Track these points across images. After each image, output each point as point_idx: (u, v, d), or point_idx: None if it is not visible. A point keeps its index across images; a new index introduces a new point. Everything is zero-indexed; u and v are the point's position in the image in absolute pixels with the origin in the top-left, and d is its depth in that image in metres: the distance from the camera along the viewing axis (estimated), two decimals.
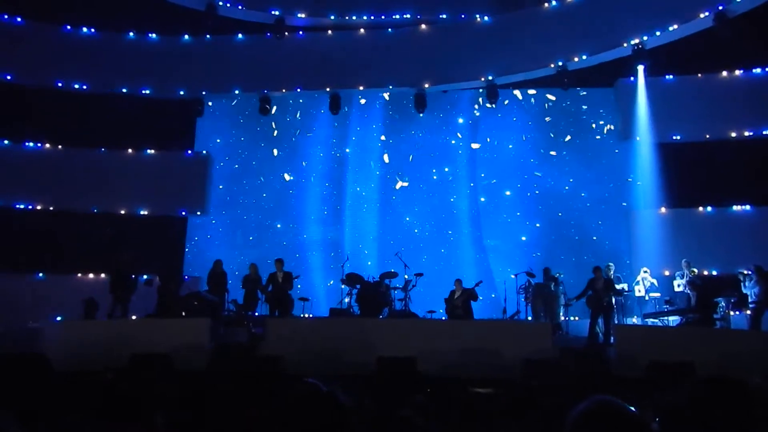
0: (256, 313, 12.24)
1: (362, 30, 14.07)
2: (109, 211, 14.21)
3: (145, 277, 12.16)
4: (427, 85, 13.84)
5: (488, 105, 14.23)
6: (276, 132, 15.61)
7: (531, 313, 11.63)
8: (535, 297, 11.63)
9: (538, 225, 14.70)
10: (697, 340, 9.38)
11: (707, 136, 13.50)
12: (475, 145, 15.36)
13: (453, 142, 15.45)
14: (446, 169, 15.37)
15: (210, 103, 15.11)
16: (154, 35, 14.38)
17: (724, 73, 13.81)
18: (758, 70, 13.62)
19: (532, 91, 15.15)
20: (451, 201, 15.23)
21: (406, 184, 15.42)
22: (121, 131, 14.29)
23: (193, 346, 9.84)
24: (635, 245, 13.50)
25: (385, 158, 15.55)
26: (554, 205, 14.68)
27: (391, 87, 14.24)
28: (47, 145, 14.20)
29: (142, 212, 14.30)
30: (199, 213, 14.58)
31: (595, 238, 14.35)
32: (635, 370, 8.26)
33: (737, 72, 13.73)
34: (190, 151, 15.06)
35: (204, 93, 14.45)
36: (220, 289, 12.38)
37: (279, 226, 15.28)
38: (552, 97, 15.10)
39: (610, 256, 13.17)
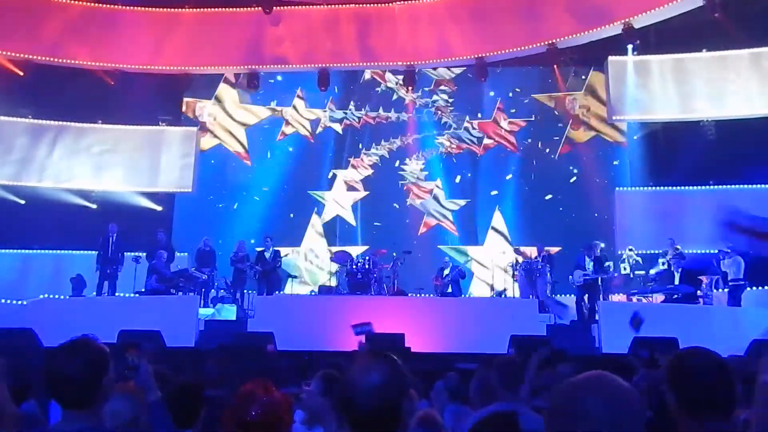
0: (246, 291, 12.29)
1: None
2: (95, 187, 14.09)
3: (133, 254, 12.11)
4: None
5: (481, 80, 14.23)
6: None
7: (519, 290, 11.77)
8: (522, 275, 11.76)
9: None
10: (680, 317, 9.58)
11: (692, 116, 13.62)
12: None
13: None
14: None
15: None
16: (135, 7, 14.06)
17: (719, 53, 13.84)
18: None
19: None
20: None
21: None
22: (106, 105, 14.11)
23: (182, 324, 9.90)
24: (621, 224, 13.60)
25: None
26: (543, 184, 14.79)
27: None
28: (32, 120, 13.97)
29: (128, 187, 14.17)
30: (187, 189, 14.45)
31: (574, 214, 14.46)
32: (620, 347, 8.40)
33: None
34: (178, 127, 14.89)
35: (189, 68, 14.22)
36: (207, 267, 12.39)
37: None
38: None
39: (596, 234, 13.28)
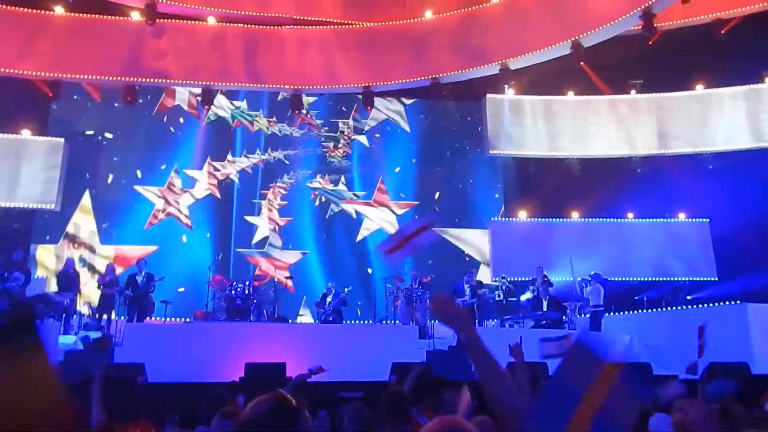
0: (113, 317, 11.48)
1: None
2: None
3: None
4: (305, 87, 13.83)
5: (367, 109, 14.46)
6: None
7: (399, 317, 11.96)
8: (403, 301, 11.97)
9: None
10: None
11: (558, 154, 14.80)
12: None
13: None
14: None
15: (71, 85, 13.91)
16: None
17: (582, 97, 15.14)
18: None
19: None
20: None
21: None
22: None
23: None
24: (495, 253, 14.30)
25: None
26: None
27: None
28: None
29: None
30: (50, 206, 13.32)
31: (457, 245, 15.02)
32: None
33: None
34: (42, 137, 13.74)
35: (59, 75, 13.22)
36: (71, 291, 11.47)
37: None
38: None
39: (473, 262, 13.89)
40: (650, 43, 13.43)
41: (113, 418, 4.43)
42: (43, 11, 12.99)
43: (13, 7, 12.81)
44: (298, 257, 14.62)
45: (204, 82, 13.46)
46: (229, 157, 15.10)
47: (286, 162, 15.25)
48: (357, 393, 7.09)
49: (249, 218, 14.83)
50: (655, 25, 12.39)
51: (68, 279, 11.62)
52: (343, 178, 15.47)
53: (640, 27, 12.34)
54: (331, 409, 4.52)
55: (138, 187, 14.48)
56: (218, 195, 14.86)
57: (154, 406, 6.97)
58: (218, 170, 15.02)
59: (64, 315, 11.18)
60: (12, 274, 10.89)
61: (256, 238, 14.70)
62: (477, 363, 1.78)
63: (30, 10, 12.91)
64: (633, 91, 15.42)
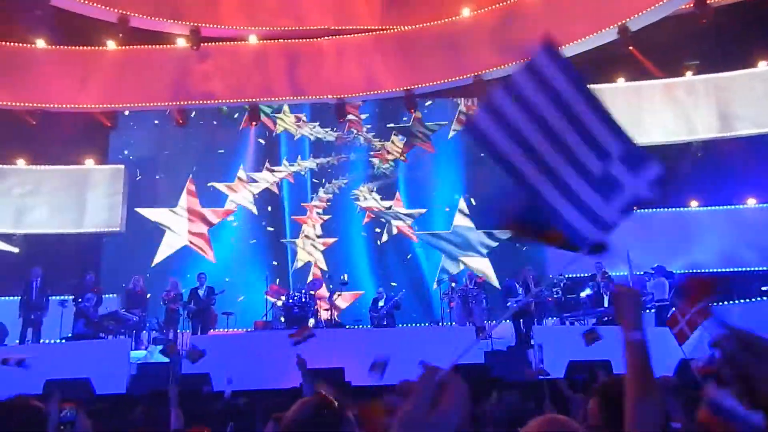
0: (179, 331, 11.93)
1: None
2: (16, 230, 13.48)
3: (59, 298, 11.59)
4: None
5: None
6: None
7: (455, 318, 11.88)
8: (459, 302, 11.90)
9: None
10: (612, 339, 9.84)
11: None
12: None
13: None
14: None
15: (127, 114, 14.58)
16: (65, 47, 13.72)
17: None
18: None
19: None
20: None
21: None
22: (28, 145, 13.62)
23: (113, 369, 9.50)
24: (552, 249, 13.96)
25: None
26: None
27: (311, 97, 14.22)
28: None
29: (53, 229, 13.61)
30: (115, 229, 13.99)
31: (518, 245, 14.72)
32: (556, 371, 8.56)
33: None
34: (103, 165, 14.46)
35: (115, 105, 13.91)
36: (139, 308, 11.99)
37: None
38: None
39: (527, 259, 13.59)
40: (703, 21, 12.89)
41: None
42: (96, 47, 13.72)
43: (70, 47, 13.57)
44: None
45: (249, 99, 13.87)
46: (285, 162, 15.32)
47: (329, 170, 15.30)
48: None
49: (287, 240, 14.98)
50: (707, 1, 11.93)
51: (135, 297, 12.15)
52: (397, 195, 15.24)
53: (691, 5, 11.89)
54: None
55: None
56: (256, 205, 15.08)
57: (218, 414, 7.23)
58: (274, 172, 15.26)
59: (134, 331, 11.73)
60: (85, 295, 11.52)
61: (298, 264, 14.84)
62: (634, 365, 1.62)
63: (84, 47, 13.65)
64: (689, 73, 14.81)
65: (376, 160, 15.37)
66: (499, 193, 14.62)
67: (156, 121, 14.97)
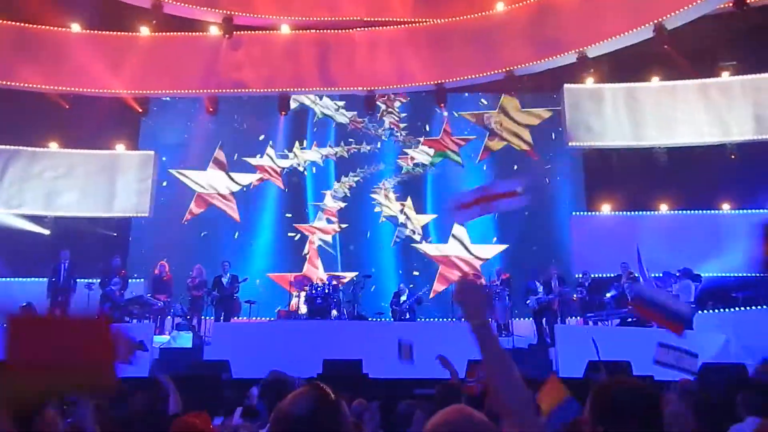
0: (202, 317, 12.07)
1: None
2: (47, 213, 13.73)
3: (86, 281, 11.80)
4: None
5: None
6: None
7: None
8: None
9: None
10: (634, 340, 9.71)
11: (643, 143, 14.06)
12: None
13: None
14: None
15: (164, 99, 14.68)
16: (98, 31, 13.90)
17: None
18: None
19: None
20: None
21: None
22: (60, 129, 13.84)
23: (136, 352, 9.62)
24: (578, 248, 13.83)
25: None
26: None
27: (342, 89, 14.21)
28: None
29: (83, 213, 13.85)
30: (144, 214, 14.18)
31: (535, 248, 14.50)
32: (576, 371, 8.47)
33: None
34: (134, 151, 14.64)
35: (147, 91, 14.07)
36: (165, 294, 12.15)
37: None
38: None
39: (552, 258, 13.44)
40: (742, 21, 12.57)
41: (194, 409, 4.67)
42: (129, 33, 13.88)
43: (103, 32, 13.75)
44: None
45: (280, 89, 13.91)
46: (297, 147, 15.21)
47: (354, 160, 15.15)
48: (431, 390, 7.07)
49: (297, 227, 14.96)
50: (747, 0, 11.63)
51: (161, 282, 12.31)
52: (409, 200, 15.05)
53: (730, 4, 11.59)
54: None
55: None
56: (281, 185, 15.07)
57: (234, 401, 7.28)
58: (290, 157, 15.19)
59: (158, 316, 11.90)
60: (111, 279, 11.72)
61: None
62: (485, 353, 1.74)
63: (118, 33, 13.83)
64: (725, 74, 14.46)
65: (402, 163, 15.26)
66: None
67: (188, 108, 15.08)
